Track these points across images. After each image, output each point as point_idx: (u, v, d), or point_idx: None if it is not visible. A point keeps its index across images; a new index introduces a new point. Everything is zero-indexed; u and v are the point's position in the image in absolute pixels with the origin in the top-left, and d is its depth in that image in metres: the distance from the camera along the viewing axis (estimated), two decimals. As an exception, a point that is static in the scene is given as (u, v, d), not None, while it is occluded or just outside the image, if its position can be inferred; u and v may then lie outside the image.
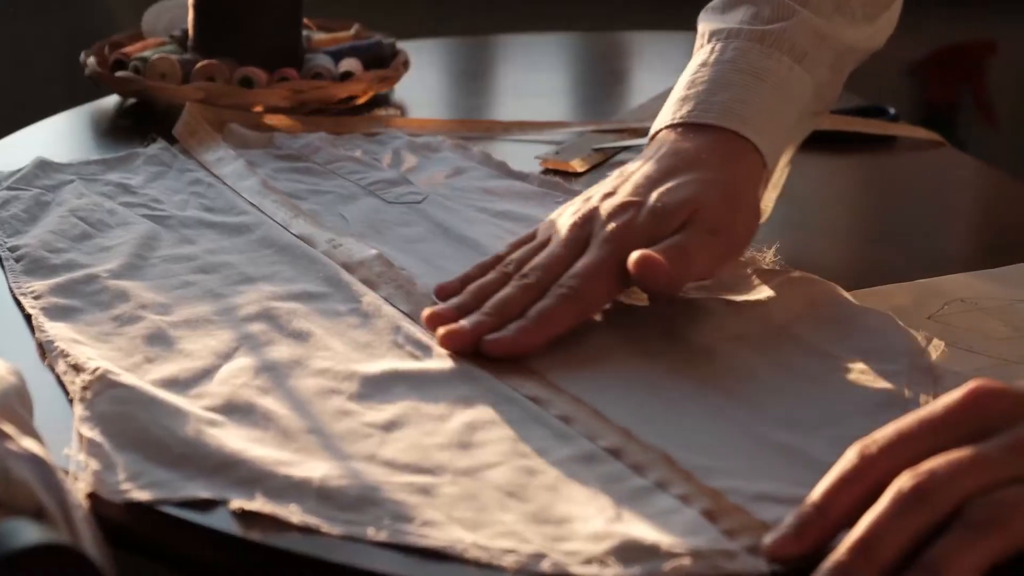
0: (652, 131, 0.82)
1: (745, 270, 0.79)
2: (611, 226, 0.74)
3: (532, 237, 0.78)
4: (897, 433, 0.54)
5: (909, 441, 0.54)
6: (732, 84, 0.81)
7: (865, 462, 0.54)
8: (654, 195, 0.75)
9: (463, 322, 0.71)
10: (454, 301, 0.74)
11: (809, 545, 0.53)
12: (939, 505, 0.51)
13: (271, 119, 1.05)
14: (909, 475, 0.52)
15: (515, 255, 0.77)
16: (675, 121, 0.80)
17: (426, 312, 0.73)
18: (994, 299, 0.78)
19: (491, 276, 0.75)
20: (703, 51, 0.84)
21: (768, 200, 0.85)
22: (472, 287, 0.75)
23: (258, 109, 1.07)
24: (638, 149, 0.95)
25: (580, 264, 0.73)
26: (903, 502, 0.51)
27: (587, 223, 0.75)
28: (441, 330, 0.70)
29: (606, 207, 0.76)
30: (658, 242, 0.73)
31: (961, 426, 0.54)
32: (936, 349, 0.70)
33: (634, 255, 0.71)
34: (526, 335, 0.70)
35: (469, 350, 0.70)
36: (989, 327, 0.74)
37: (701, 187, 0.76)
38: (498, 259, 0.77)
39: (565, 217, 0.77)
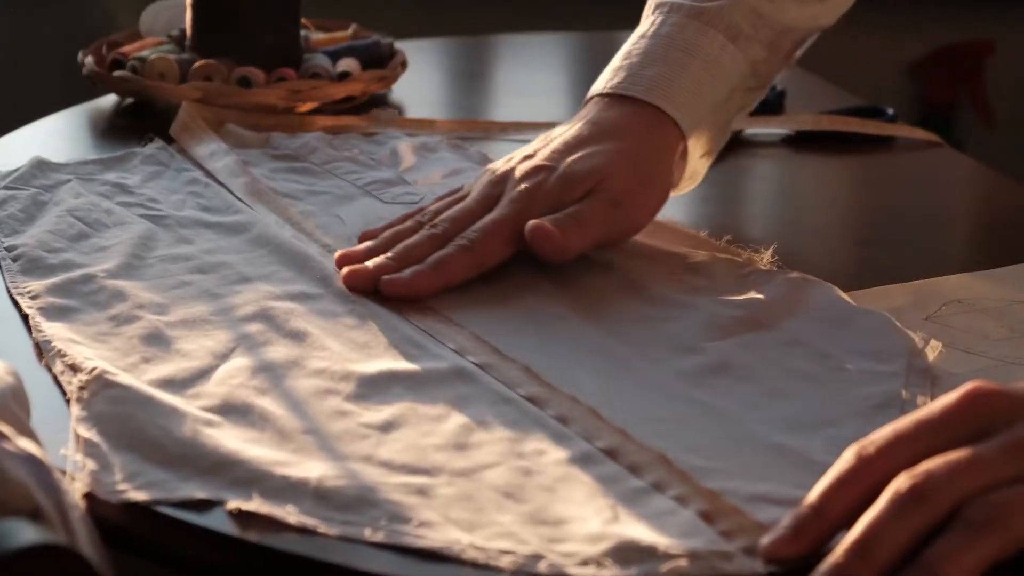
0: (586, 96, 0.85)
1: (742, 270, 0.79)
2: (521, 187, 0.78)
3: (457, 190, 0.83)
4: (895, 434, 0.54)
5: (907, 442, 0.54)
6: (663, 59, 0.83)
7: (862, 463, 0.53)
8: (566, 161, 0.79)
9: (368, 263, 0.75)
10: (366, 244, 0.78)
11: (806, 546, 0.53)
12: (937, 506, 0.51)
13: (268, 119, 1.05)
14: (906, 476, 0.52)
15: (433, 207, 0.81)
16: (605, 90, 0.84)
17: (338, 253, 0.78)
18: (992, 300, 0.78)
19: (407, 224, 0.80)
20: (645, 22, 0.86)
21: (701, 167, 0.87)
22: (387, 233, 0.79)
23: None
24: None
25: (485, 220, 0.77)
26: (900, 503, 0.51)
27: (501, 182, 0.80)
28: (345, 269, 0.75)
29: (521, 169, 0.80)
30: (563, 207, 0.77)
31: (959, 427, 0.54)
32: (934, 350, 0.70)
33: (530, 224, 0.76)
34: (421, 278, 0.74)
35: (369, 288, 0.75)
36: (987, 328, 0.74)
37: (611, 158, 0.79)
38: (420, 210, 0.82)
39: (485, 175, 0.81)
